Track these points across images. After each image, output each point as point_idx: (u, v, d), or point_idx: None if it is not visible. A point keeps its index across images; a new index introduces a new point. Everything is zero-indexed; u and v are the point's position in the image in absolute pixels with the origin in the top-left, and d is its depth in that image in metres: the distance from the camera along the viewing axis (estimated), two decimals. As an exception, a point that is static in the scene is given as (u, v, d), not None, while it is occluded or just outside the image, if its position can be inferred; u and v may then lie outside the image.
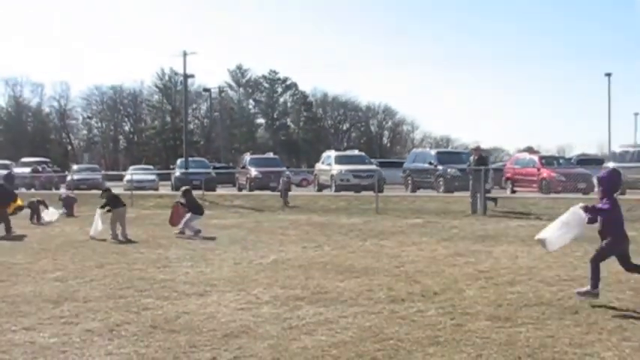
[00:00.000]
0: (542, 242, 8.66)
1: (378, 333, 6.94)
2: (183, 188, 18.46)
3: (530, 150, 38.30)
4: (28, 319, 7.87)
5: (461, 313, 7.72)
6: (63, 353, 6.46)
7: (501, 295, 8.73)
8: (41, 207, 21.83)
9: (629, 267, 8.40)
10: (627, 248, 8.31)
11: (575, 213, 8.46)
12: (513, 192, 27.95)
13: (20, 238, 16.99)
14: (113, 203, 16.85)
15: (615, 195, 8.39)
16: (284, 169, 35.19)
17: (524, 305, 8.09)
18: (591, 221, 8.42)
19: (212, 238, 15.83)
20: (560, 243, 8.66)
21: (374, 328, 7.16)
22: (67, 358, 6.35)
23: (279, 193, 26.15)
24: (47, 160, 50.34)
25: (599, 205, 8.20)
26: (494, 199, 21.37)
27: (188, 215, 16.98)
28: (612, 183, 8.42)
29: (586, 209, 8.31)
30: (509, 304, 8.16)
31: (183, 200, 17.63)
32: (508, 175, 29.66)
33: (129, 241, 15.68)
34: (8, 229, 17.79)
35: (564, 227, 8.53)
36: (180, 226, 16.80)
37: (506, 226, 16.73)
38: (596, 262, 8.25)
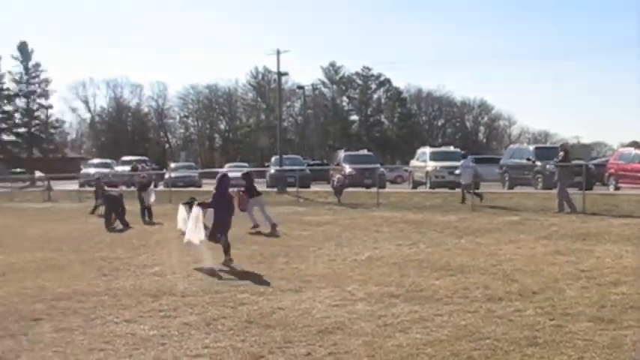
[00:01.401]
0: (189, 244, 11.79)
1: (474, 332, 6.82)
2: (244, 171, 20.79)
3: (635, 144, 36.64)
4: (129, 311, 8.15)
5: (561, 314, 7.49)
6: (162, 345, 6.65)
7: (605, 295, 8.41)
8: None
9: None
10: (226, 229, 11.78)
11: (193, 210, 11.76)
12: (617, 189, 26.89)
13: (120, 232, 17.64)
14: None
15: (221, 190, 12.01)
16: (378, 165, 35.07)
17: (629, 307, 7.77)
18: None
19: (306, 235, 15.93)
20: (197, 236, 11.58)
21: (470, 327, 7.04)
22: (166, 350, 6.52)
23: (335, 191, 25.96)
24: (146, 158, 51.84)
25: (208, 201, 11.93)
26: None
27: (250, 201, 17.19)
28: (222, 184, 12.08)
29: (199, 204, 11.85)
30: (614, 306, 7.85)
31: (244, 185, 17.87)
32: (612, 170, 28.55)
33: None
34: (148, 213, 20.35)
35: (192, 225, 11.64)
36: (252, 223, 16.99)
37: (609, 225, 16.09)
38: (210, 239, 11.70)
